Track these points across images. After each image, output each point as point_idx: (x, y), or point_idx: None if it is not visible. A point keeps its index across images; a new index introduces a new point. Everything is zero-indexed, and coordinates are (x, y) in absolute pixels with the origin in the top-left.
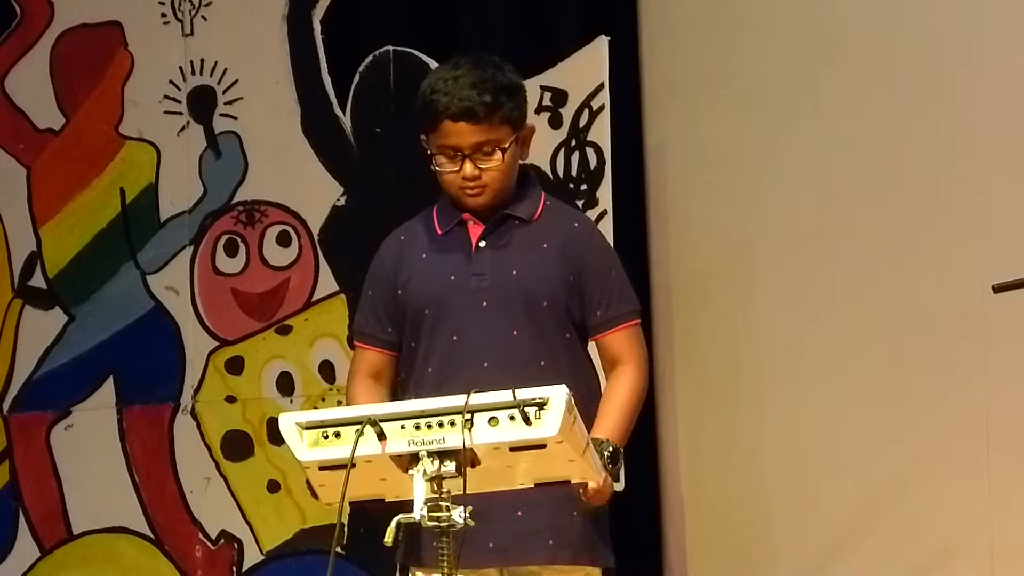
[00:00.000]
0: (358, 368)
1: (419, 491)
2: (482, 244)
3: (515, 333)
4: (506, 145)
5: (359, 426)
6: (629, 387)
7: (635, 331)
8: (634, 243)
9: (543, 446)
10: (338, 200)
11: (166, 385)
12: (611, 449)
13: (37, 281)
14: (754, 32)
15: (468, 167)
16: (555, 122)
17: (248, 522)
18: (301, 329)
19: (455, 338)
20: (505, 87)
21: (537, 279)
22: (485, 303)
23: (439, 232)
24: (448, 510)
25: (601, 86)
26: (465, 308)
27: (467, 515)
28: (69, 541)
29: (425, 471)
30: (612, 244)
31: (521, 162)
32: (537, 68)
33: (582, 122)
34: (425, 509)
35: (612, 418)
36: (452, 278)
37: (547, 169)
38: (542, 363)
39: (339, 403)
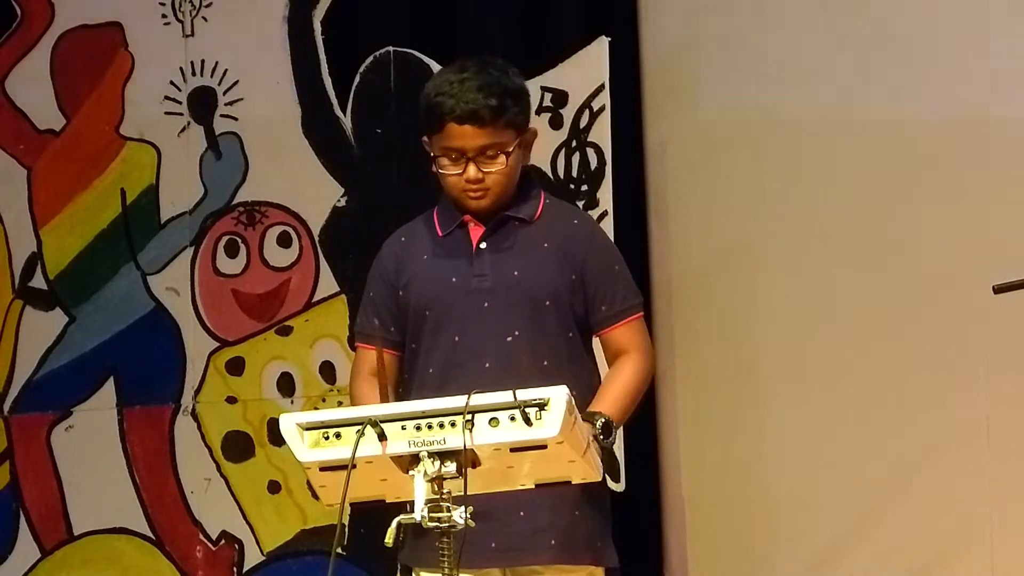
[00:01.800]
0: (361, 368)
1: (420, 492)
2: (483, 246)
3: (517, 333)
4: (510, 149)
5: (360, 427)
6: (631, 372)
7: (639, 324)
8: (634, 243)
9: (544, 447)
10: (338, 201)
11: (167, 386)
12: (603, 420)
13: (38, 282)
14: (754, 32)
15: (471, 170)
16: (555, 123)
17: (249, 523)
18: (302, 330)
19: (457, 339)
20: (511, 91)
21: (539, 279)
22: (486, 304)
23: (440, 234)
24: (449, 511)
25: (601, 87)
26: (466, 309)
27: (468, 516)
28: (70, 542)
29: (426, 472)
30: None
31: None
32: (537, 69)
33: (582, 123)
34: (426, 510)
35: (610, 395)
36: (453, 280)
37: (548, 170)
38: (544, 363)
39: (340, 404)
